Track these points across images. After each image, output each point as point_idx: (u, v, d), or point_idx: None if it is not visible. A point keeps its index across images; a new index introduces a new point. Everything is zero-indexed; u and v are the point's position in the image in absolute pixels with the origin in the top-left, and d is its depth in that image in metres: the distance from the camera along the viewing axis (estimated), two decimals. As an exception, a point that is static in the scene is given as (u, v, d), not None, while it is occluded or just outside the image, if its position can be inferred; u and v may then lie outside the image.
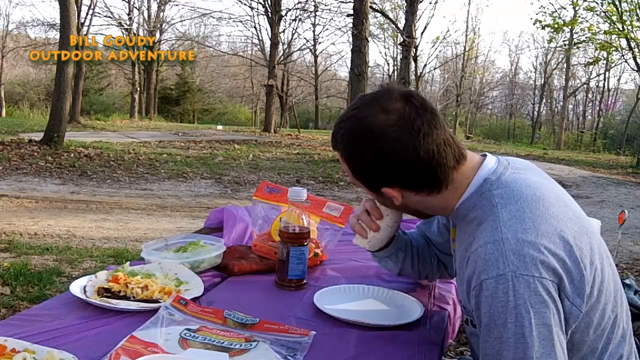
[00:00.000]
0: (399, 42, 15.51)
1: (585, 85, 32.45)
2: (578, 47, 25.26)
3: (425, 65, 24.57)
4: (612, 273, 1.01)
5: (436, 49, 39.23)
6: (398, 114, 0.99)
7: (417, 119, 0.99)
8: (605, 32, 18.58)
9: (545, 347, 0.86)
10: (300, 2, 21.27)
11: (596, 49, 21.15)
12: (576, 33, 22.19)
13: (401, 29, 13.26)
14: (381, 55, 59.05)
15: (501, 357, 0.88)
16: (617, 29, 17.48)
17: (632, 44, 17.68)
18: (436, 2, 20.83)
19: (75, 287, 1.24)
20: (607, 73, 31.25)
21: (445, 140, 1.01)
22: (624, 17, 17.22)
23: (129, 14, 25.71)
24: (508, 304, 0.87)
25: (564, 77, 29.99)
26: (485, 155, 1.09)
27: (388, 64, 33.78)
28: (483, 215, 0.99)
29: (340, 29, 28.66)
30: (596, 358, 0.97)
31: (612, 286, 0.99)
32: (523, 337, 0.86)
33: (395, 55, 29.94)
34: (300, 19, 23.32)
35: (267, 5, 20.14)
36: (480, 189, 1.02)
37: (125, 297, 1.23)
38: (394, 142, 0.98)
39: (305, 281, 1.41)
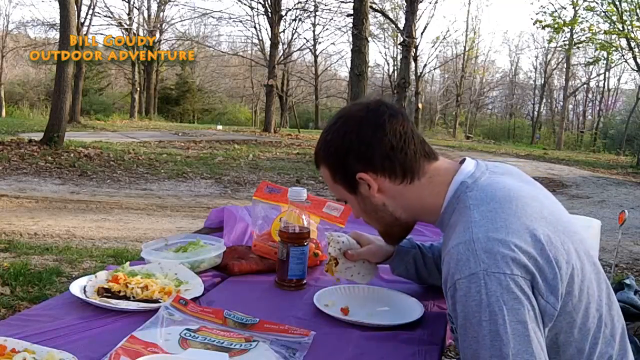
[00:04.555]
0: (399, 42, 15.51)
1: (585, 85, 32.48)
2: (578, 47, 25.27)
3: (425, 65, 24.63)
4: (595, 272, 1.00)
5: (436, 49, 39.33)
6: (366, 104, 1.11)
7: (382, 106, 1.09)
8: (605, 32, 18.60)
9: (522, 343, 0.86)
10: (300, 2, 21.30)
11: (596, 49, 21.17)
12: (576, 33, 22.22)
13: (401, 29, 13.26)
14: (381, 55, 59.12)
15: (479, 356, 0.88)
16: (617, 29, 17.50)
17: (632, 44, 17.69)
18: (436, 2, 20.89)
19: (75, 287, 1.24)
20: (607, 73, 31.32)
21: (413, 131, 1.09)
22: (624, 17, 17.24)
23: (129, 14, 25.75)
24: (481, 303, 0.87)
25: (564, 77, 30.01)
26: (464, 161, 1.10)
27: (388, 64, 33.84)
28: (459, 217, 1.00)
29: (340, 29, 28.71)
30: (585, 359, 0.97)
31: (595, 285, 0.99)
32: (498, 335, 0.86)
33: (395, 55, 29.96)
34: (300, 19, 23.35)
35: (267, 5, 20.15)
36: (457, 192, 1.04)
37: (125, 297, 1.23)
38: (360, 119, 1.08)
39: (305, 281, 1.41)
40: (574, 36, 23.05)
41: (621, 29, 17.33)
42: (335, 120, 1.13)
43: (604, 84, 32.58)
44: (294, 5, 22.44)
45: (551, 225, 0.96)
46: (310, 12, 22.34)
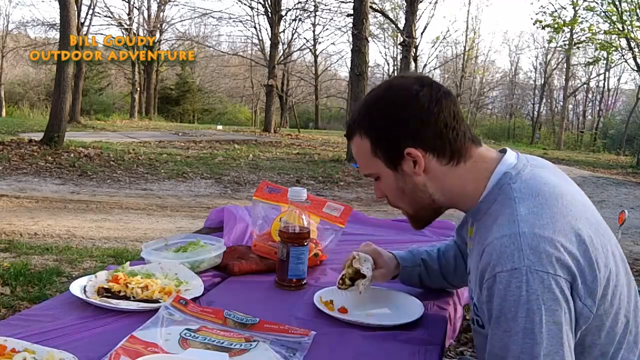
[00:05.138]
0: (399, 42, 15.51)
1: (585, 85, 32.46)
2: (578, 47, 25.25)
3: (425, 65, 24.67)
4: (627, 277, 1.00)
5: (436, 49, 39.36)
6: (416, 77, 1.07)
7: (434, 83, 1.06)
8: (605, 32, 18.61)
9: (554, 345, 0.86)
10: (300, 2, 21.28)
11: (596, 49, 21.16)
12: (576, 33, 22.20)
13: (401, 29, 13.26)
14: (381, 55, 59.13)
15: (508, 350, 0.87)
16: (617, 29, 17.50)
17: (632, 44, 17.70)
18: (436, 2, 20.88)
19: (75, 287, 1.24)
20: (607, 73, 31.31)
21: (462, 114, 1.07)
22: (624, 17, 17.25)
23: (129, 14, 25.74)
24: (520, 299, 0.86)
25: (564, 77, 29.99)
26: (504, 151, 1.09)
27: (388, 64, 33.79)
28: (500, 208, 0.98)
29: (340, 29, 28.72)
30: None
31: (627, 290, 0.98)
32: (532, 333, 0.86)
33: (395, 55, 29.97)
34: (300, 19, 23.32)
35: (267, 5, 20.14)
36: (500, 183, 1.02)
37: (125, 297, 1.23)
38: (417, 93, 1.03)
39: (305, 281, 1.41)
40: (574, 36, 23.05)
41: (621, 29, 17.33)
42: (384, 91, 1.08)
43: (604, 84, 32.61)
44: (294, 5, 22.47)
45: (593, 227, 0.95)
46: (310, 12, 22.33)
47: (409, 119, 1.03)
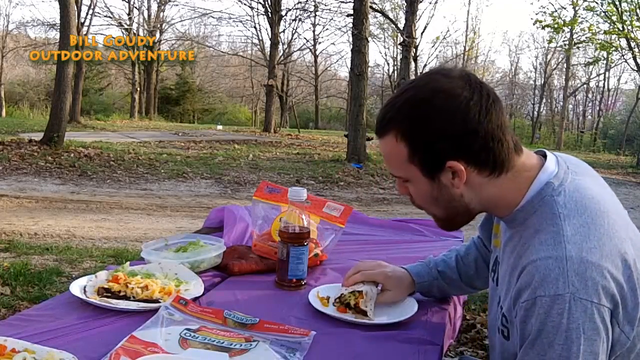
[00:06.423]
0: (399, 42, 15.52)
1: (585, 85, 32.47)
2: (578, 47, 25.27)
3: (425, 65, 24.65)
4: None
5: (436, 49, 39.33)
6: (463, 80, 0.96)
7: (483, 88, 0.97)
8: (605, 32, 18.61)
9: None
10: (300, 2, 21.30)
11: (596, 49, 21.18)
12: (576, 33, 22.20)
13: (401, 29, 13.26)
14: (381, 55, 59.17)
15: None
16: (617, 29, 17.51)
17: (632, 44, 17.70)
18: (436, 2, 20.91)
19: (75, 287, 1.24)
20: (607, 73, 31.32)
21: (508, 121, 0.99)
22: (624, 17, 17.25)
23: (129, 14, 25.75)
24: (560, 326, 0.84)
25: (564, 77, 30.00)
26: (543, 154, 1.05)
27: (388, 64, 33.82)
28: (542, 223, 0.93)
29: (340, 29, 28.78)
30: None
31: None
32: None
33: (395, 55, 29.93)
34: (300, 19, 23.35)
35: (267, 5, 20.15)
36: (542, 193, 0.97)
37: (125, 297, 1.23)
38: (467, 102, 0.94)
39: (305, 281, 1.41)
40: (574, 36, 23.05)
41: (621, 29, 17.33)
42: (431, 94, 0.96)
43: (604, 84, 32.62)
44: (294, 5, 22.50)
45: (636, 248, 0.92)
46: (310, 12, 22.35)
47: (455, 130, 0.94)
